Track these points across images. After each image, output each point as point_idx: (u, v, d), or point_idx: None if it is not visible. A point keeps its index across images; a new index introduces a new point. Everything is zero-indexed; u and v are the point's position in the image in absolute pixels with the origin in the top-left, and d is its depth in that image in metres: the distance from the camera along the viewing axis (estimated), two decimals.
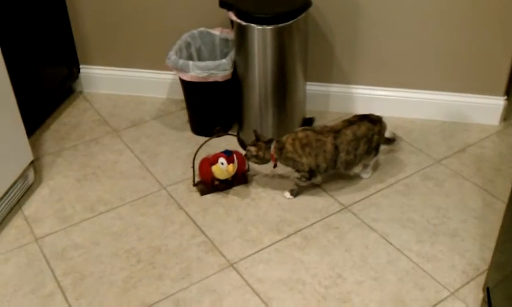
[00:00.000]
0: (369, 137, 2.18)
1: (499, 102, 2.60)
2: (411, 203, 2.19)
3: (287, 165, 2.19)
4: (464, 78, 2.58)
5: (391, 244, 2.01)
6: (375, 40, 2.56)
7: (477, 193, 2.24)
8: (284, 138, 2.16)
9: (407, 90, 2.66)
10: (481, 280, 1.85)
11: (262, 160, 2.19)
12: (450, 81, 2.60)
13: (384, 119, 2.24)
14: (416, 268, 1.91)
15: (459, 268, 1.91)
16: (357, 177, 2.32)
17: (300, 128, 2.19)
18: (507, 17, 2.40)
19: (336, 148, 2.13)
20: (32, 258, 1.98)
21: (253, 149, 2.17)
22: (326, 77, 2.69)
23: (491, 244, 1.99)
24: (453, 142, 2.53)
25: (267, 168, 2.34)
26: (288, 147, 2.14)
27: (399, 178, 2.32)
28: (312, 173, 2.18)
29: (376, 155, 2.26)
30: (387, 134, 2.31)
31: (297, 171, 2.18)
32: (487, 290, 1.70)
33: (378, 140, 2.22)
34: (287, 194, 2.23)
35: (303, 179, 2.19)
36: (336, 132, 2.14)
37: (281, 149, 2.15)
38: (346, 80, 2.68)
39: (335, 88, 2.70)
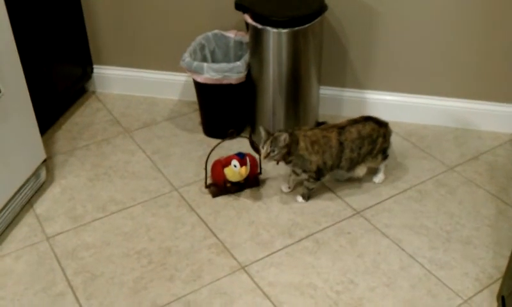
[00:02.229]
0: (374, 138, 2.17)
1: None
2: (424, 210, 2.18)
3: (295, 164, 2.16)
4: (478, 85, 2.57)
5: (403, 250, 2.00)
6: (389, 46, 2.55)
7: (490, 201, 2.23)
8: (296, 132, 2.13)
9: (420, 96, 2.64)
10: (494, 288, 1.84)
11: (285, 155, 2.11)
12: (464, 88, 2.59)
13: (391, 125, 2.24)
14: (429, 275, 1.90)
15: (472, 275, 1.90)
16: (370, 182, 2.31)
17: (304, 127, 2.18)
18: None
19: (341, 144, 2.13)
20: (44, 256, 1.98)
21: (283, 137, 2.07)
22: (339, 81, 2.68)
23: (505, 252, 1.97)
24: (466, 150, 2.51)
25: (280, 169, 2.33)
26: (301, 143, 2.13)
27: (412, 184, 2.31)
28: (319, 173, 2.17)
29: (384, 159, 2.25)
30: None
31: (304, 171, 2.16)
32: (502, 299, 1.69)
33: (383, 143, 2.21)
34: (299, 198, 2.22)
35: (311, 180, 2.17)
36: (340, 128, 2.15)
37: (297, 143, 2.12)
38: (359, 85, 2.67)
39: (348, 93, 2.69)
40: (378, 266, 1.94)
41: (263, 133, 2.11)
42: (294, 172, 2.21)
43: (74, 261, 1.96)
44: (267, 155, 2.09)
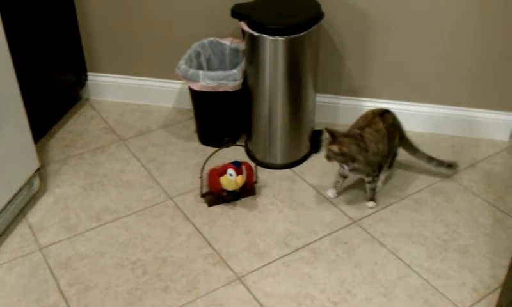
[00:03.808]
0: (392, 132, 2.21)
1: (509, 117, 2.58)
2: (421, 219, 2.16)
3: (358, 170, 2.12)
4: (475, 93, 2.56)
5: (401, 259, 1.99)
6: (385, 54, 2.54)
7: (488, 209, 2.22)
8: (365, 138, 2.10)
9: (416, 104, 2.64)
10: (492, 298, 1.82)
11: (349, 157, 2.08)
12: (460, 96, 2.58)
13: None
14: (427, 285, 1.88)
15: (470, 285, 1.89)
16: (366, 191, 2.29)
17: (360, 127, 2.16)
18: None
19: (386, 130, 2.17)
20: (37, 267, 1.96)
21: (335, 148, 2.06)
22: (335, 89, 2.67)
23: (502, 261, 1.96)
24: (463, 158, 2.50)
25: (276, 178, 2.31)
26: (367, 135, 2.11)
27: (408, 192, 2.30)
28: (380, 168, 2.17)
29: (390, 166, 2.25)
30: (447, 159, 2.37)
31: (368, 175, 2.14)
32: None
33: (397, 145, 2.25)
34: (370, 204, 2.21)
35: (376, 179, 2.17)
36: (381, 115, 2.19)
37: (366, 150, 2.09)
38: (356, 92, 2.66)
39: (344, 100, 2.68)
40: (375, 276, 1.92)
41: (327, 135, 2.10)
42: (343, 176, 2.22)
43: (68, 272, 1.93)
44: (330, 159, 2.10)
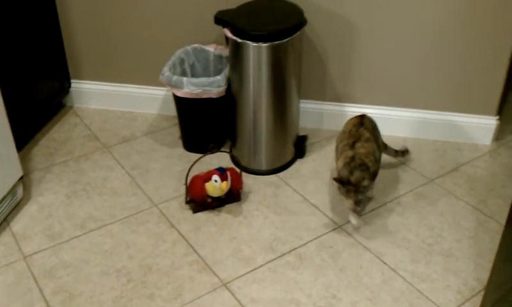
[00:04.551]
0: (376, 135, 2.25)
1: (491, 121, 2.61)
2: (405, 223, 2.18)
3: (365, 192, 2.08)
4: (457, 97, 2.59)
5: (385, 263, 2.00)
6: (368, 59, 2.56)
7: (471, 212, 2.24)
8: (367, 163, 2.08)
9: (400, 109, 2.65)
10: (476, 301, 1.84)
11: (364, 188, 2.04)
12: (443, 100, 2.61)
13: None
14: (411, 289, 1.90)
15: (455, 288, 1.90)
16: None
17: (353, 145, 2.14)
18: (498, 37, 2.41)
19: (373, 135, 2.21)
20: (20, 276, 1.94)
21: (360, 196, 2.03)
22: (319, 94, 2.68)
23: (486, 264, 1.98)
24: (445, 162, 2.53)
25: (261, 183, 2.32)
26: (360, 151, 2.10)
27: (392, 196, 2.31)
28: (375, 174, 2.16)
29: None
30: (398, 147, 2.45)
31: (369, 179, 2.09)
32: None
33: (381, 144, 2.30)
34: (354, 221, 2.14)
35: (371, 187, 2.15)
36: (360, 124, 2.23)
37: (361, 160, 2.07)
38: (339, 98, 2.68)
39: (328, 106, 2.69)
40: (360, 280, 1.93)
41: (337, 184, 2.04)
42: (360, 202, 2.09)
43: (52, 281, 1.92)
44: (356, 207, 2.05)
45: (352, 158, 2.07)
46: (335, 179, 2.05)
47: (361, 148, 2.11)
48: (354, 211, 2.09)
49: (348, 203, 2.05)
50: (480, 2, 2.35)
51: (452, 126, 2.64)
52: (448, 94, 2.59)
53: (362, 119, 2.24)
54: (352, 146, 2.13)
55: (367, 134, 2.17)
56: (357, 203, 2.04)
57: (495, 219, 2.19)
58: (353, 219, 2.13)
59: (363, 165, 2.05)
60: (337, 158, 2.18)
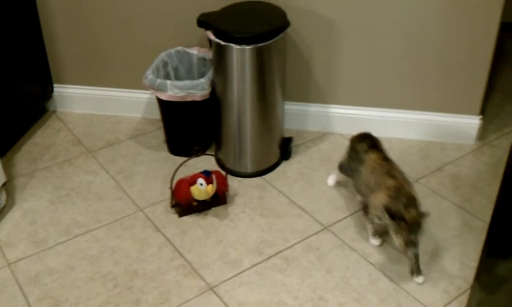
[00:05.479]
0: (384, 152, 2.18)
1: (474, 121, 2.62)
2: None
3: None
4: (440, 97, 2.60)
5: (372, 264, 2.00)
6: (352, 60, 2.57)
7: (455, 212, 2.25)
8: (398, 176, 1.99)
9: (384, 109, 2.66)
10: (463, 299, 1.85)
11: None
12: (426, 101, 2.62)
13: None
14: (398, 289, 1.90)
15: (441, 287, 1.91)
16: (336, 197, 2.31)
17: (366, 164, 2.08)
18: (481, 37, 2.43)
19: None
20: (5, 283, 1.92)
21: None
22: (303, 96, 2.68)
23: (471, 263, 1.99)
24: (430, 162, 2.54)
25: (247, 187, 2.31)
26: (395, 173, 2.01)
27: None
28: None
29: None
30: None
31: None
32: None
33: None
34: (375, 241, 2.08)
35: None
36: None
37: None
38: (324, 99, 2.68)
39: (312, 107, 2.70)
40: (347, 281, 1.93)
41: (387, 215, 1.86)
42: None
43: (37, 287, 1.90)
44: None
45: (398, 189, 1.91)
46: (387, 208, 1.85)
47: (401, 178, 1.98)
48: (405, 254, 1.91)
49: (399, 242, 1.86)
50: (461, 1, 2.37)
51: (436, 126, 2.65)
52: (431, 94, 2.60)
53: (372, 147, 2.15)
54: (393, 175, 1.99)
55: (387, 158, 2.10)
56: (416, 244, 1.88)
57: (479, 218, 2.21)
58: (374, 241, 2.08)
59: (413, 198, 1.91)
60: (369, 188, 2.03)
